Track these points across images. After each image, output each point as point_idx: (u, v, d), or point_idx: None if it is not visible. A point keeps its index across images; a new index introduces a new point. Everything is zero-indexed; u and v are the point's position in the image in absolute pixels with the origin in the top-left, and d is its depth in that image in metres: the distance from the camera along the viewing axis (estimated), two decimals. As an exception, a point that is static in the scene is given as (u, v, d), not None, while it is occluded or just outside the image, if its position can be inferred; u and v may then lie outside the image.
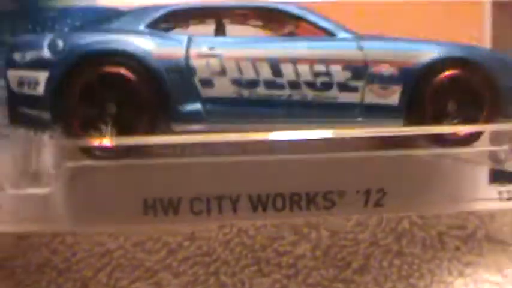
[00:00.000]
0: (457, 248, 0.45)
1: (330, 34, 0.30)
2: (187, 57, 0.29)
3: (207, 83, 0.29)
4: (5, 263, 0.43)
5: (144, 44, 0.29)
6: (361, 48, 0.30)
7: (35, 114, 0.29)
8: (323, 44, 0.29)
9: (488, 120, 0.30)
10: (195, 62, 0.29)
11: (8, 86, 0.29)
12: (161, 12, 0.30)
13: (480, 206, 0.34)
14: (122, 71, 0.28)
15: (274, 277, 0.43)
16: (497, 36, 0.33)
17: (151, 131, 0.29)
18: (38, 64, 0.28)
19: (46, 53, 0.28)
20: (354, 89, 0.29)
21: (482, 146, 0.31)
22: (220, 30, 0.31)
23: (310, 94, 0.29)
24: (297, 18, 0.32)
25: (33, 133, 0.28)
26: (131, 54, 0.29)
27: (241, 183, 0.29)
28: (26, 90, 0.28)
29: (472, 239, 0.45)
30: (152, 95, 0.29)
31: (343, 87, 0.29)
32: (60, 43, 0.28)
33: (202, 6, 0.31)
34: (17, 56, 0.29)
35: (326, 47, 0.29)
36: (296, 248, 0.44)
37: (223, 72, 0.29)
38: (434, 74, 0.30)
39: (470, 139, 0.31)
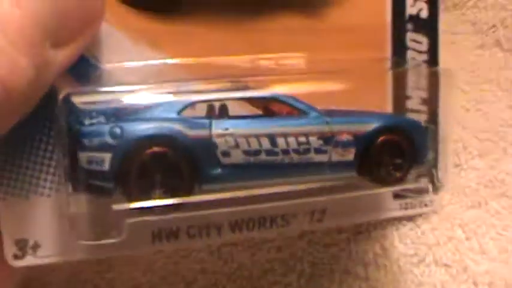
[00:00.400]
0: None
1: (304, 113, 0.39)
2: (210, 136, 0.37)
3: (226, 154, 0.37)
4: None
5: (183, 129, 0.36)
6: (328, 123, 0.39)
7: (101, 185, 0.36)
8: (303, 122, 0.39)
9: (410, 167, 0.42)
10: (217, 140, 0.37)
11: (78, 164, 0.36)
12: (186, 103, 0.38)
13: (387, 215, 0.46)
14: (168, 150, 0.36)
15: None
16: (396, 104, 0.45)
17: (190, 191, 0.37)
18: (103, 147, 0.36)
19: (108, 139, 0.36)
20: (325, 152, 0.39)
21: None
22: (224, 112, 0.39)
23: (295, 157, 0.38)
24: (281, 102, 0.40)
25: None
26: (171, 137, 0.36)
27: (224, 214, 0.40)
28: (94, 167, 0.36)
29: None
30: (186, 165, 0.37)
31: (318, 151, 0.39)
32: (117, 131, 0.36)
33: (215, 99, 0.39)
34: (86, 142, 0.36)
35: (305, 124, 0.39)
36: (285, 278, 0.52)
37: (237, 146, 0.37)
38: (376, 138, 0.40)
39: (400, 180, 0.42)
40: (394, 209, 0.48)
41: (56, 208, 0.39)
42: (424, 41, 0.47)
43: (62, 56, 0.34)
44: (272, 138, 0.38)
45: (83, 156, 0.36)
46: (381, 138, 0.41)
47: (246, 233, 0.41)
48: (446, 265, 0.52)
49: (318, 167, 0.40)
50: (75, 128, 0.36)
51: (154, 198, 0.37)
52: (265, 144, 0.38)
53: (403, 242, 0.53)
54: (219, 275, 0.52)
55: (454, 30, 0.64)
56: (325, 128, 0.39)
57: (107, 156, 0.36)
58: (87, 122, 0.37)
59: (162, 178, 0.37)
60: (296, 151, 0.39)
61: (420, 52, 0.47)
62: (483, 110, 0.60)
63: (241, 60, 0.42)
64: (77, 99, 0.37)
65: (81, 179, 0.37)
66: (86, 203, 0.37)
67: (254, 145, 0.38)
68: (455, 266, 0.52)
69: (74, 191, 0.37)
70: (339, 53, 0.43)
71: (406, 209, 0.48)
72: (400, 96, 0.46)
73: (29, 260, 0.40)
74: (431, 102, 0.46)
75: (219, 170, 0.38)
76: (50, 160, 0.39)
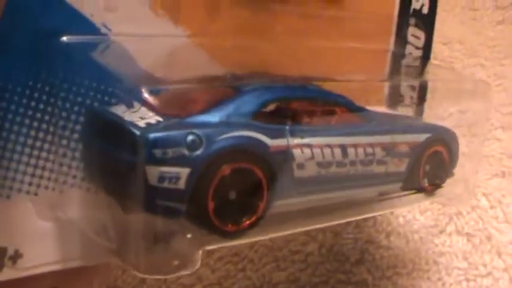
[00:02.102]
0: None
1: (365, 120, 0.37)
2: (288, 147, 0.31)
3: (301, 166, 0.32)
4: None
5: (265, 139, 0.30)
6: (390, 134, 0.37)
7: (174, 206, 0.29)
8: (369, 131, 0.36)
9: (447, 177, 0.41)
10: (294, 151, 0.31)
11: (145, 181, 0.28)
12: (259, 102, 0.32)
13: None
14: (251, 165, 0.30)
15: (290, 271, 0.50)
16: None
17: (266, 212, 0.31)
18: (181, 161, 0.28)
19: (187, 151, 0.28)
20: (384, 163, 0.36)
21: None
22: (295, 116, 0.33)
23: (360, 169, 0.35)
24: (342, 105, 0.36)
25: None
26: (257, 152, 0.30)
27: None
28: (166, 185, 0.28)
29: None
30: (268, 180, 0.31)
31: (379, 162, 0.36)
32: (199, 141, 0.28)
33: (287, 97, 0.34)
34: (158, 154, 0.28)
35: (372, 134, 0.36)
36: (306, 247, 0.51)
37: (312, 157, 0.32)
38: (425, 149, 0.39)
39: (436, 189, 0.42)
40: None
41: (44, 209, 0.32)
42: (422, 37, 0.47)
43: None
44: (344, 148, 0.34)
45: (153, 170, 0.28)
46: (431, 149, 0.40)
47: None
48: (468, 234, 0.52)
49: (375, 178, 0.36)
50: (141, 134, 0.28)
51: (232, 222, 0.30)
52: (338, 155, 0.34)
53: (424, 215, 0.53)
54: (241, 244, 0.51)
55: (474, 6, 0.64)
56: (388, 139, 0.37)
57: (185, 172, 0.29)
58: (143, 123, 0.29)
59: (240, 197, 0.30)
60: (362, 162, 0.35)
61: (417, 48, 0.46)
62: (504, 84, 0.60)
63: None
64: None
65: (148, 198, 0.28)
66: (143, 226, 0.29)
67: (328, 157, 0.33)
68: (478, 235, 0.52)
69: (126, 212, 0.29)
70: (348, 40, 0.42)
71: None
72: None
73: (7, 274, 0.32)
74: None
75: (291, 185, 0.32)
76: (40, 151, 0.32)
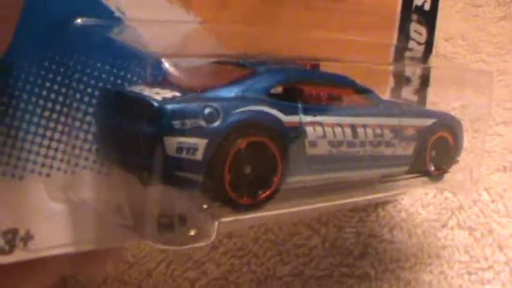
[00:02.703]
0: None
1: (375, 103, 0.37)
2: (301, 123, 0.32)
3: (313, 144, 0.33)
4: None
5: (279, 115, 0.31)
6: (399, 117, 0.38)
7: (191, 178, 0.29)
8: (378, 113, 0.37)
9: (453, 162, 0.42)
10: (307, 128, 0.32)
11: (163, 151, 0.28)
12: (275, 80, 0.33)
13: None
14: (266, 140, 0.31)
15: (293, 265, 0.50)
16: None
17: (280, 187, 0.32)
18: (198, 132, 0.28)
19: (204, 122, 0.29)
20: (393, 145, 0.37)
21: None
22: (304, 95, 0.34)
23: (369, 150, 0.35)
24: (351, 87, 0.37)
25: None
26: (272, 126, 0.31)
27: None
28: (184, 155, 0.28)
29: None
30: (282, 155, 0.31)
31: (387, 144, 0.37)
32: (216, 113, 0.29)
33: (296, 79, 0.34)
34: (176, 124, 0.28)
35: (381, 116, 0.37)
36: (310, 241, 0.51)
37: (324, 135, 0.33)
38: (431, 134, 0.40)
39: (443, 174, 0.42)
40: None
41: (56, 191, 0.32)
42: (424, 33, 0.47)
43: None
44: (354, 128, 0.35)
45: (171, 142, 0.29)
46: (437, 134, 0.41)
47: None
48: (470, 228, 0.52)
49: (383, 160, 0.37)
50: (159, 105, 0.29)
51: (248, 194, 0.31)
52: (348, 134, 0.34)
53: (426, 209, 0.54)
54: (245, 238, 0.52)
55: (476, 2, 0.64)
56: (396, 121, 0.38)
57: (202, 143, 0.29)
58: (161, 96, 0.30)
59: (256, 171, 0.31)
60: (371, 143, 0.36)
61: (419, 43, 0.47)
62: (506, 80, 0.61)
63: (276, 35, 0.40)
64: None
65: (166, 169, 0.29)
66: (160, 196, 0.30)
67: (339, 136, 0.34)
68: (480, 229, 0.52)
69: (144, 184, 0.30)
70: (352, 33, 0.43)
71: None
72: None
73: (18, 255, 0.32)
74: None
75: (304, 163, 0.33)
76: (54, 132, 0.32)
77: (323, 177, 0.34)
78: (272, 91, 0.33)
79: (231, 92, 0.31)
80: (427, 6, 0.47)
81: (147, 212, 0.30)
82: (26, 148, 0.32)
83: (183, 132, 0.29)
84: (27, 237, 0.32)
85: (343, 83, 0.36)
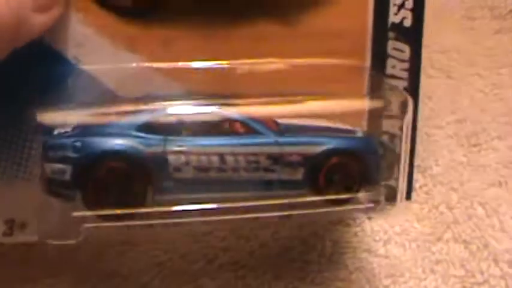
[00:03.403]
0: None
1: (258, 133, 0.40)
2: (164, 152, 0.39)
3: (177, 169, 0.39)
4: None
5: (136, 145, 0.39)
6: (279, 145, 0.40)
7: (63, 192, 0.39)
8: (254, 142, 0.40)
9: (359, 190, 0.41)
10: (170, 157, 0.39)
11: (43, 174, 0.39)
12: (143, 120, 0.40)
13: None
14: (123, 165, 0.39)
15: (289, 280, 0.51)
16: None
17: (143, 203, 0.39)
18: (65, 160, 0.38)
19: (70, 152, 0.39)
20: (273, 171, 0.40)
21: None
22: (181, 129, 0.41)
23: (245, 174, 0.40)
24: (238, 122, 0.41)
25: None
26: (127, 152, 0.39)
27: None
28: (56, 176, 0.39)
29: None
30: (142, 179, 0.39)
31: (267, 170, 0.40)
32: (79, 145, 0.39)
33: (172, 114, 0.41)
34: (50, 154, 0.39)
35: (256, 144, 0.40)
36: (305, 256, 0.52)
37: (187, 163, 0.39)
38: (326, 160, 0.41)
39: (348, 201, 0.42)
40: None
41: (38, 191, 0.40)
42: (406, 50, 0.45)
43: (39, 21, 0.38)
44: (222, 156, 0.40)
45: (48, 166, 0.39)
46: (332, 161, 0.41)
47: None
48: (465, 241, 0.52)
49: (268, 184, 0.41)
50: (43, 140, 0.40)
51: (111, 208, 0.39)
52: (215, 162, 0.40)
53: (421, 223, 0.54)
54: (241, 252, 0.53)
55: (472, 15, 0.64)
56: (275, 149, 0.40)
57: (68, 168, 0.39)
58: (54, 133, 0.40)
59: (117, 190, 0.39)
60: (245, 169, 0.40)
61: (402, 60, 0.45)
62: (501, 94, 0.61)
63: (218, 65, 0.43)
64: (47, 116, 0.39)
65: (47, 186, 0.40)
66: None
67: (204, 163, 0.40)
68: (475, 243, 0.52)
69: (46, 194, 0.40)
70: (316, 59, 0.43)
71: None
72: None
73: (17, 237, 0.43)
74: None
75: (171, 183, 0.40)
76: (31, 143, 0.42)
77: (194, 196, 0.40)
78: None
79: (109, 129, 0.40)
80: (407, 23, 0.45)
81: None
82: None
83: (54, 160, 0.39)
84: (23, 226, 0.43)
85: (231, 119, 0.41)
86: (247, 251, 0.53)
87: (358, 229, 0.53)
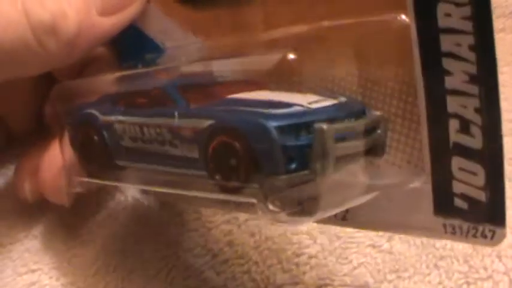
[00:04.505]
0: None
1: (174, 104, 0.38)
2: (112, 122, 0.42)
3: (121, 137, 0.41)
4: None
5: (98, 114, 0.43)
6: (175, 117, 0.38)
7: None
8: (160, 113, 0.39)
9: (246, 177, 0.33)
10: (115, 125, 0.41)
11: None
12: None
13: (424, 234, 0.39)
14: (91, 131, 0.43)
15: (293, 273, 0.51)
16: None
17: (108, 164, 0.44)
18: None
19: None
20: (176, 146, 0.37)
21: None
22: (129, 101, 0.43)
23: (157, 148, 0.39)
24: (160, 90, 0.41)
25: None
26: (92, 122, 0.43)
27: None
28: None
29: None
30: (102, 144, 0.43)
31: (171, 144, 0.38)
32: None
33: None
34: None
35: (160, 116, 0.39)
36: (310, 250, 0.52)
37: (125, 131, 0.41)
38: (212, 137, 0.35)
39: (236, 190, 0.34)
40: (436, 229, 0.37)
41: None
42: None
43: (108, 24, 0.42)
44: (141, 127, 0.41)
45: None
46: (217, 139, 0.34)
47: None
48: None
49: (174, 159, 0.38)
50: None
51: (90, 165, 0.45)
52: (138, 132, 0.41)
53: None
54: (246, 247, 0.53)
55: (475, 14, 0.64)
56: (173, 122, 0.37)
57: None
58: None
59: (91, 152, 0.44)
60: (155, 141, 0.39)
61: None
62: (504, 93, 0.61)
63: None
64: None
65: None
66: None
67: (133, 133, 0.41)
68: (478, 239, 0.52)
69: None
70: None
71: (453, 233, 0.37)
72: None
73: None
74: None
75: (122, 151, 0.42)
76: None
77: (140, 165, 0.42)
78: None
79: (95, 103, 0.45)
80: None
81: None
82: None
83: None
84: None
85: (158, 89, 0.41)
86: (252, 245, 0.54)
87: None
